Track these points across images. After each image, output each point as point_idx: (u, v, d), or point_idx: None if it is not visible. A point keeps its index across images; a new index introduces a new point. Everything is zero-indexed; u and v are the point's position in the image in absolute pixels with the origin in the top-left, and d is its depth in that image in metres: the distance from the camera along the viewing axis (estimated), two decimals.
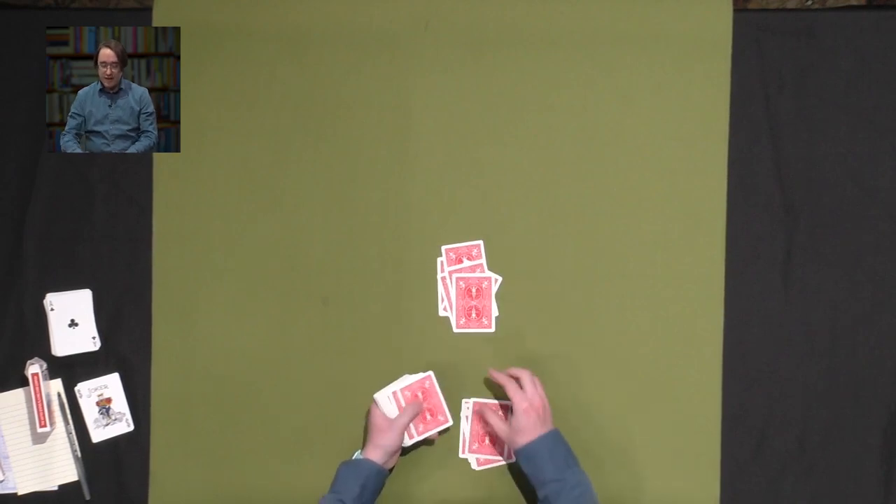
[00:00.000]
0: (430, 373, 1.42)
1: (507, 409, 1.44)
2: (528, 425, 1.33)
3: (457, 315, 1.47)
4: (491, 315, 1.47)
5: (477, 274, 1.46)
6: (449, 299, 1.47)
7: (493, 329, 1.47)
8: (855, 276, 1.46)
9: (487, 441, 1.45)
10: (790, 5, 2.13)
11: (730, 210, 1.47)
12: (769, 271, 1.47)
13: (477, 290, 1.47)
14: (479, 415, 1.44)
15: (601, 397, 1.46)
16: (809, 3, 2.12)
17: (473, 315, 1.47)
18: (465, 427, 1.46)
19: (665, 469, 1.45)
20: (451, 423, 1.43)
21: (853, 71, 1.47)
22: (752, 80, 1.48)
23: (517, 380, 1.38)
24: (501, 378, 1.39)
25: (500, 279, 1.47)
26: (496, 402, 1.45)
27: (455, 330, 1.47)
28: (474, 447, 1.46)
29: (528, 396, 1.35)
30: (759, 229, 1.47)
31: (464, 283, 1.47)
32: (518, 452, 1.34)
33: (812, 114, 1.48)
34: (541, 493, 1.31)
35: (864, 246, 1.47)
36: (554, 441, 1.34)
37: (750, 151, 1.48)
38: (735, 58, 1.47)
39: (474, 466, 1.46)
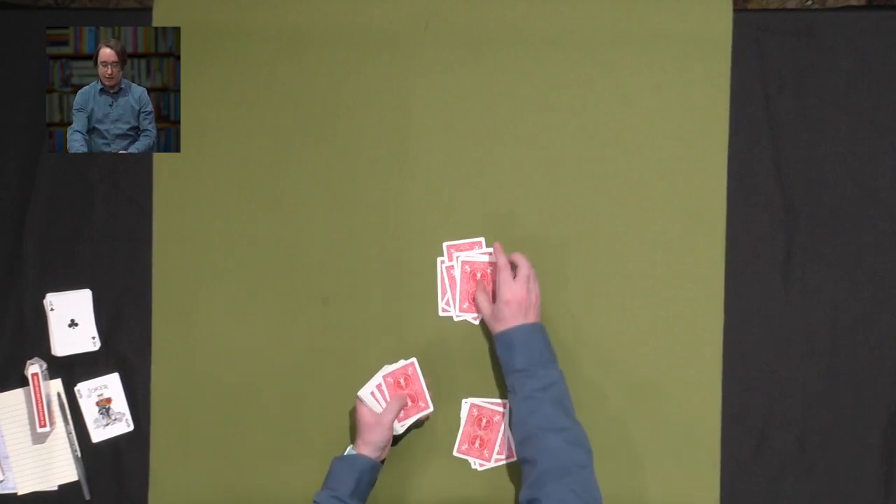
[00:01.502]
0: (414, 359, 1.42)
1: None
2: (508, 315, 1.36)
3: (459, 299, 1.46)
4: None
5: (482, 258, 1.46)
6: (453, 290, 1.47)
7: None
8: (855, 276, 1.46)
9: (467, 445, 1.45)
10: (790, 5, 2.13)
11: (730, 210, 1.47)
12: (769, 271, 1.47)
13: (482, 275, 1.47)
14: (472, 295, 1.46)
15: (601, 397, 1.46)
16: (809, 3, 2.12)
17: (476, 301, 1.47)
18: (463, 426, 1.46)
19: (665, 469, 1.45)
20: (431, 408, 1.42)
21: (853, 71, 1.47)
22: (752, 80, 1.48)
23: (515, 266, 1.40)
24: (500, 259, 1.41)
25: None
26: (497, 264, 1.42)
27: (455, 315, 1.47)
28: (464, 448, 1.46)
29: (514, 288, 1.37)
30: (759, 229, 1.47)
31: (469, 268, 1.47)
32: (496, 338, 1.38)
33: (812, 114, 1.48)
34: (508, 382, 1.35)
35: (864, 246, 1.47)
36: (531, 333, 1.36)
37: (750, 151, 1.48)
38: (735, 58, 1.47)
39: (474, 467, 1.46)
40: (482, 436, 1.45)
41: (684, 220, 1.47)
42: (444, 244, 1.48)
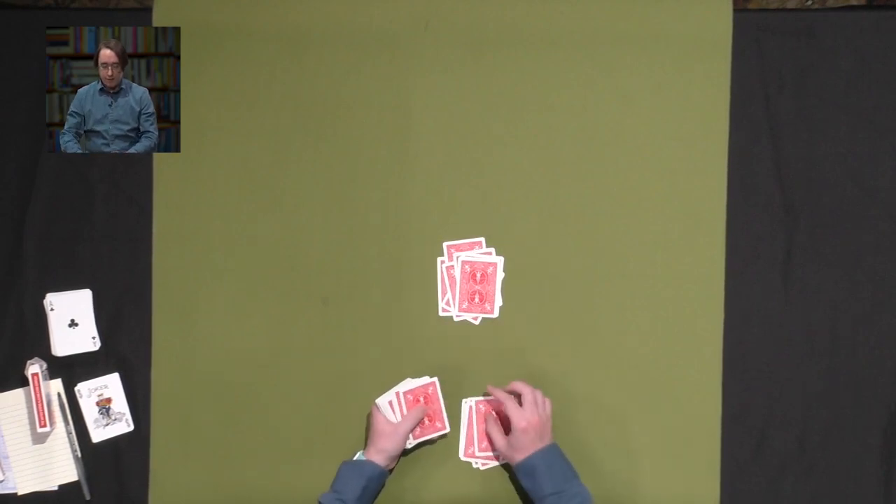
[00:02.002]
0: (435, 379, 1.42)
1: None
2: (526, 443, 1.34)
3: (459, 299, 1.46)
4: (494, 301, 1.46)
5: (482, 258, 1.46)
6: (453, 290, 1.47)
7: (495, 315, 1.46)
8: (855, 276, 1.46)
9: (486, 444, 1.45)
10: (790, 5, 2.13)
11: (730, 210, 1.47)
12: (769, 271, 1.47)
13: (482, 276, 1.47)
14: (484, 423, 1.44)
15: (601, 397, 1.46)
16: (809, 3, 2.12)
17: (476, 300, 1.46)
18: (465, 428, 1.46)
19: (665, 469, 1.45)
20: (448, 430, 1.43)
21: (853, 71, 1.47)
22: (752, 80, 1.48)
23: (518, 395, 1.38)
24: (500, 395, 1.39)
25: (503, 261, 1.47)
26: (499, 400, 1.42)
27: (455, 315, 1.47)
28: (470, 451, 1.45)
29: (527, 415, 1.35)
30: (759, 229, 1.47)
31: (469, 268, 1.47)
32: (517, 468, 1.36)
33: (812, 114, 1.48)
34: None
35: (864, 246, 1.47)
36: (552, 455, 1.34)
37: (750, 151, 1.48)
38: (735, 58, 1.47)
39: (476, 466, 1.46)
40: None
41: (684, 220, 1.47)
42: (444, 244, 1.48)
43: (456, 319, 1.47)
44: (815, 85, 1.48)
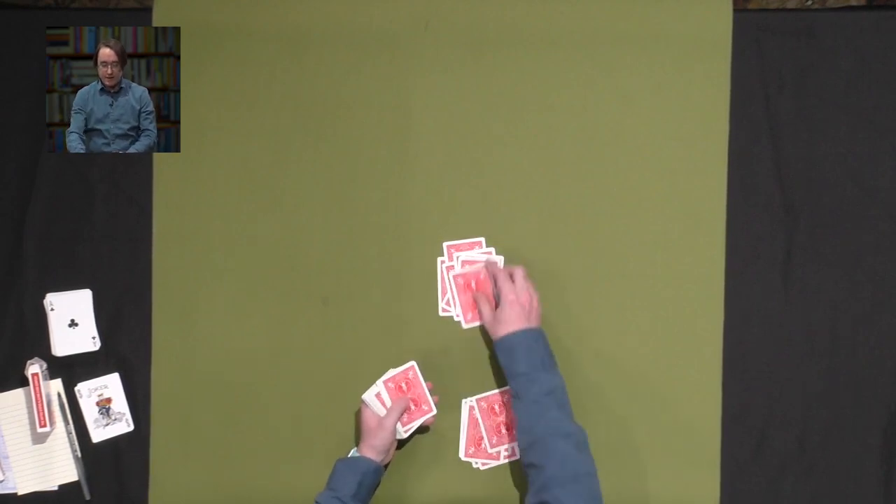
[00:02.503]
0: (413, 363, 1.42)
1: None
2: (512, 317, 1.35)
3: (462, 311, 1.46)
4: (494, 302, 1.46)
5: (482, 258, 1.46)
6: (452, 293, 1.47)
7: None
8: (855, 276, 1.46)
9: (485, 444, 1.45)
10: (790, 5, 2.13)
11: (730, 210, 1.47)
12: (769, 271, 1.47)
13: (476, 282, 1.47)
14: (473, 299, 1.46)
15: (601, 397, 1.46)
16: (809, 3, 2.12)
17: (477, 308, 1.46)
18: (465, 428, 1.46)
19: (665, 469, 1.45)
20: (435, 411, 1.42)
21: (853, 71, 1.47)
22: (752, 80, 1.48)
23: (511, 275, 1.40)
24: (495, 269, 1.42)
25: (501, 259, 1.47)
26: (494, 274, 1.43)
27: (456, 316, 1.47)
28: (470, 451, 1.45)
29: (517, 289, 1.37)
30: (759, 229, 1.47)
31: (462, 280, 1.47)
32: (497, 343, 1.37)
33: (812, 114, 1.48)
34: (511, 386, 1.34)
35: (864, 246, 1.47)
36: (534, 338, 1.35)
37: (750, 151, 1.48)
38: (735, 58, 1.47)
39: (476, 466, 1.46)
40: (503, 421, 1.45)
41: (684, 220, 1.47)
42: (445, 244, 1.48)
43: (456, 319, 1.47)
44: (815, 85, 1.48)
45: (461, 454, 1.46)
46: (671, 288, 1.46)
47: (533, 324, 1.37)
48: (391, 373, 1.42)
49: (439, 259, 1.48)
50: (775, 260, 1.47)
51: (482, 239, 1.48)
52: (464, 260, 1.47)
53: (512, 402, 1.35)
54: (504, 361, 1.36)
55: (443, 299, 1.47)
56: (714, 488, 1.45)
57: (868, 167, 1.47)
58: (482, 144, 1.49)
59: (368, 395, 1.40)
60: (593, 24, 1.48)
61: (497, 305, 1.41)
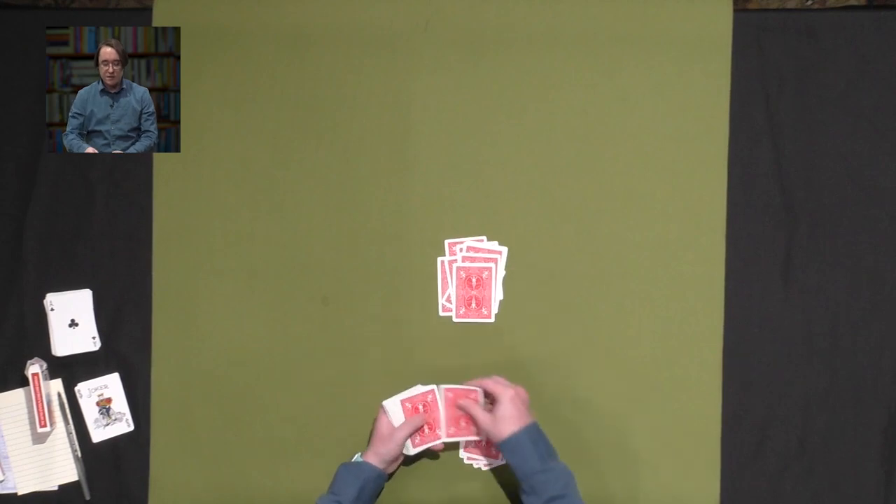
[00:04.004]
0: (434, 387, 1.42)
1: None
2: (515, 413, 1.32)
3: (456, 304, 1.46)
4: (491, 307, 1.46)
5: (478, 264, 1.46)
6: (452, 289, 1.47)
7: (492, 320, 1.46)
8: (855, 276, 1.46)
9: (486, 443, 1.45)
10: (790, 5, 2.13)
11: (730, 210, 1.47)
12: (769, 271, 1.47)
13: (478, 280, 1.47)
14: (458, 406, 1.40)
15: (601, 397, 1.46)
16: (809, 3, 2.12)
17: (473, 305, 1.46)
18: (447, 411, 1.45)
19: (665, 469, 1.45)
20: (443, 440, 1.42)
21: (853, 71, 1.47)
22: (752, 80, 1.48)
23: (483, 386, 1.38)
24: (478, 379, 1.39)
25: (504, 253, 1.47)
26: (473, 389, 1.39)
27: (455, 320, 1.47)
28: (470, 451, 1.45)
29: (513, 385, 1.36)
30: (759, 229, 1.47)
31: (465, 273, 1.47)
32: (503, 444, 1.32)
33: (812, 114, 1.48)
34: (526, 485, 1.29)
35: (864, 246, 1.47)
36: (537, 432, 1.33)
37: (750, 151, 1.48)
38: (735, 58, 1.47)
39: (476, 466, 1.46)
40: (462, 416, 1.41)
41: (684, 221, 1.47)
42: (446, 242, 1.48)
43: (455, 320, 1.47)
44: (815, 85, 1.48)
45: (461, 454, 1.46)
46: (671, 288, 1.46)
47: (527, 421, 1.33)
48: (411, 392, 1.41)
49: (439, 259, 1.48)
50: (775, 260, 1.47)
51: (482, 238, 1.48)
52: (469, 246, 1.46)
53: (524, 499, 1.30)
54: (514, 461, 1.31)
55: (443, 296, 1.47)
56: (714, 488, 1.45)
57: (868, 167, 1.47)
58: (482, 144, 1.49)
59: (389, 402, 1.39)
60: (593, 24, 1.48)
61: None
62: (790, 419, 1.46)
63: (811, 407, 1.46)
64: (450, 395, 1.41)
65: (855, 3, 1.80)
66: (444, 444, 1.42)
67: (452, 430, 1.42)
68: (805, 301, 1.47)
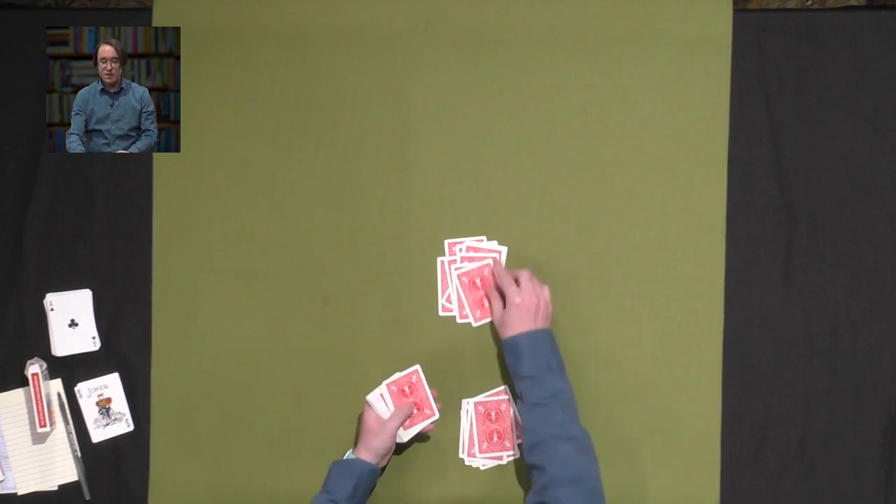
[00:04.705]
0: (417, 367, 1.42)
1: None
2: (516, 320, 1.36)
3: (471, 309, 1.46)
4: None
5: (476, 265, 1.46)
6: (459, 299, 1.47)
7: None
8: (855, 276, 1.46)
9: (486, 444, 1.45)
10: (790, 5, 2.13)
11: (730, 210, 1.47)
12: (769, 271, 1.47)
13: (482, 280, 1.47)
14: (484, 295, 1.45)
15: (602, 397, 1.46)
16: (809, 3, 2.12)
17: (487, 304, 1.46)
18: (465, 428, 1.46)
19: (665, 469, 1.45)
20: (437, 416, 1.42)
21: (853, 71, 1.47)
22: (752, 80, 1.48)
23: (516, 279, 1.40)
24: (501, 272, 1.42)
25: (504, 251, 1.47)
26: (500, 276, 1.42)
27: (474, 325, 1.47)
28: (470, 451, 1.45)
29: (522, 292, 1.37)
30: (759, 229, 1.47)
31: (467, 278, 1.47)
32: (503, 343, 1.38)
33: (812, 114, 1.48)
34: (516, 388, 1.34)
35: (864, 246, 1.47)
36: (540, 340, 1.35)
37: (750, 151, 1.48)
38: (735, 58, 1.47)
39: (476, 466, 1.46)
40: (496, 429, 1.45)
41: (684, 221, 1.47)
42: (446, 242, 1.48)
43: (459, 321, 1.47)
44: (815, 85, 1.48)
45: (461, 454, 1.46)
46: (671, 288, 1.46)
47: (539, 324, 1.36)
48: (395, 376, 1.41)
49: (439, 259, 1.48)
50: (775, 260, 1.47)
51: (482, 238, 1.48)
52: (468, 246, 1.46)
53: (517, 403, 1.35)
54: (510, 362, 1.36)
55: (443, 296, 1.47)
56: (714, 488, 1.45)
57: (868, 167, 1.47)
58: (482, 144, 1.49)
59: (372, 397, 1.39)
60: (593, 24, 1.48)
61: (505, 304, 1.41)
62: (790, 419, 1.46)
63: (811, 407, 1.46)
64: (465, 280, 1.45)
65: (855, 3, 1.80)
66: (435, 424, 1.42)
67: (479, 312, 1.45)
68: (805, 301, 1.47)
